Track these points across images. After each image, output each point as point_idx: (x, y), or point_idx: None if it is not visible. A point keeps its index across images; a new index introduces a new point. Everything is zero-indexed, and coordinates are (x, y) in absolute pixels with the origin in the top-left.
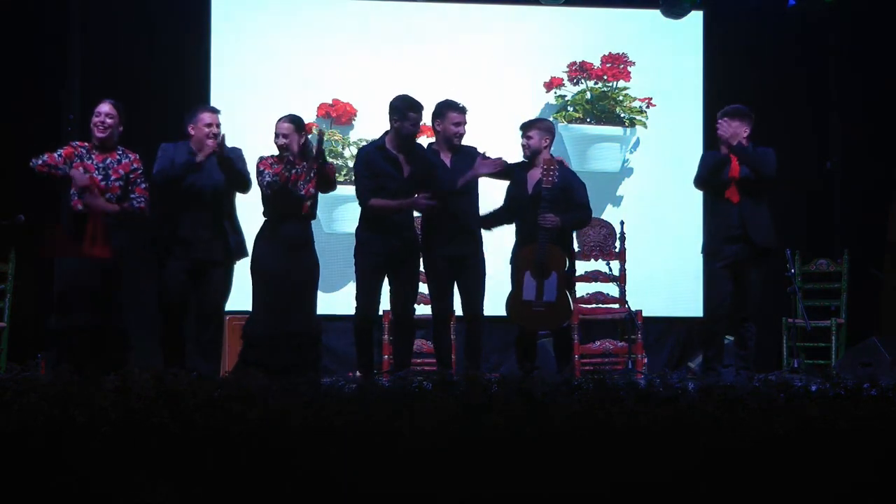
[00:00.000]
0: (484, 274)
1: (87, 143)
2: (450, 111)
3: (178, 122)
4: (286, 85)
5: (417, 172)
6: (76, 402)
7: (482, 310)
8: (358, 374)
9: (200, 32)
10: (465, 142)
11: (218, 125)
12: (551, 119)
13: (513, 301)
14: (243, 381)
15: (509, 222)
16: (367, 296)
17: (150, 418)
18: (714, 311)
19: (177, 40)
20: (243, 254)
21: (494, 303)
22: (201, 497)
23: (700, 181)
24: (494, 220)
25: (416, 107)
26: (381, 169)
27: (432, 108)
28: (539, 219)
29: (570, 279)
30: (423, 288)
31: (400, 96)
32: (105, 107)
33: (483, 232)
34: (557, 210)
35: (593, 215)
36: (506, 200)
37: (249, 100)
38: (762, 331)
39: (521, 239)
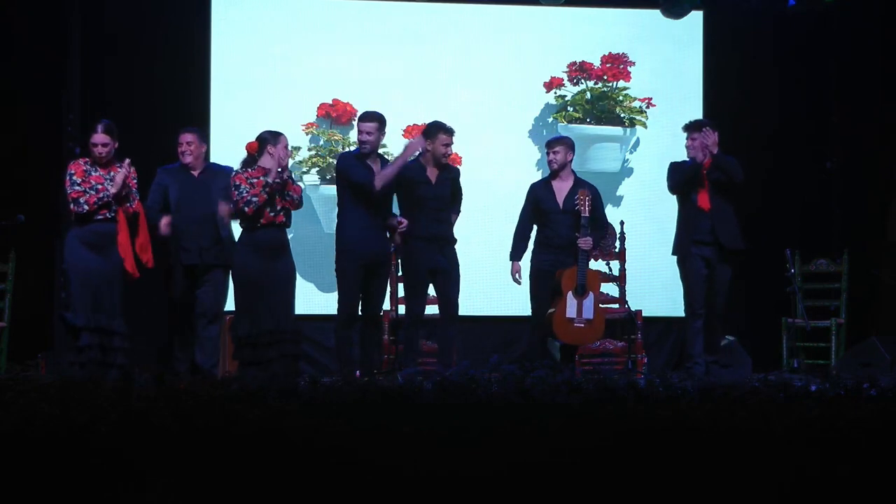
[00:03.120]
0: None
1: (87, 159)
2: (441, 133)
3: (175, 123)
4: (286, 85)
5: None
6: (76, 402)
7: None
8: (358, 373)
9: (200, 33)
10: (467, 140)
11: (188, 143)
12: (551, 119)
13: (557, 318)
14: (243, 381)
15: (528, 237)
16: (348, 298)
17: (150, 418)
18: (692, 309)
19: (177, 41)
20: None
21: (496, 303)
22: (201, 497)
23: (676, 188)
24: (522, 247)
25: (369, 118)
26: (361, 178)
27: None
28: (579, 242)
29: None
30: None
31: None
32: (100, 137)
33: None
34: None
35: None
36: (527, 216)
37: (249, 100)
38: (762, 331)
39: (543, 244)
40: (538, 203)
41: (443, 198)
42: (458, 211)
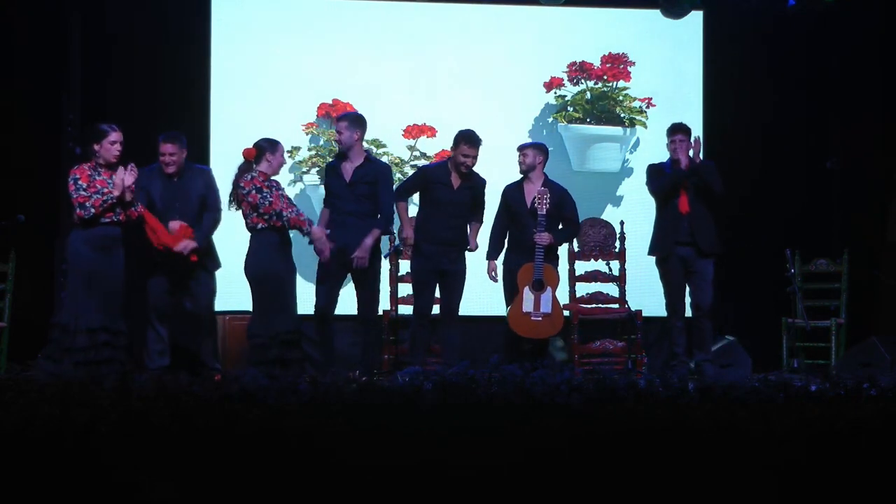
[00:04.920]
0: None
1: (90, 163)
2: (462, 143)
3: (175, 123)
4: (286, 85)
5: (360, 180)
6: (76, 402)
7: (457, 311)
8: (357, 373)
9: (200, 33)
10: None
11: (171, 154)
12: (551, 119)
13: (513, 313)
14: (243, 381)
15: (504, 238)
16: (325, 295)
17: (150, 418)
18: (673, 309)
19: (177, 41)
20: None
21: (496, 303)
22: (201, 497)
23: (659, 193)
24: (498, 247)
25: (341, 118)
26: (329, 179)
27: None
28: (535, 238)
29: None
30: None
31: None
32: (118, 135)
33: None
34: (552, 226)
35: (593, 215)
36: (502, 217)
37: (249, 100)
38: (762, 331)
39: (513, 245)
40: (509, 205)
41: (460, 204)
42: (480, 220)
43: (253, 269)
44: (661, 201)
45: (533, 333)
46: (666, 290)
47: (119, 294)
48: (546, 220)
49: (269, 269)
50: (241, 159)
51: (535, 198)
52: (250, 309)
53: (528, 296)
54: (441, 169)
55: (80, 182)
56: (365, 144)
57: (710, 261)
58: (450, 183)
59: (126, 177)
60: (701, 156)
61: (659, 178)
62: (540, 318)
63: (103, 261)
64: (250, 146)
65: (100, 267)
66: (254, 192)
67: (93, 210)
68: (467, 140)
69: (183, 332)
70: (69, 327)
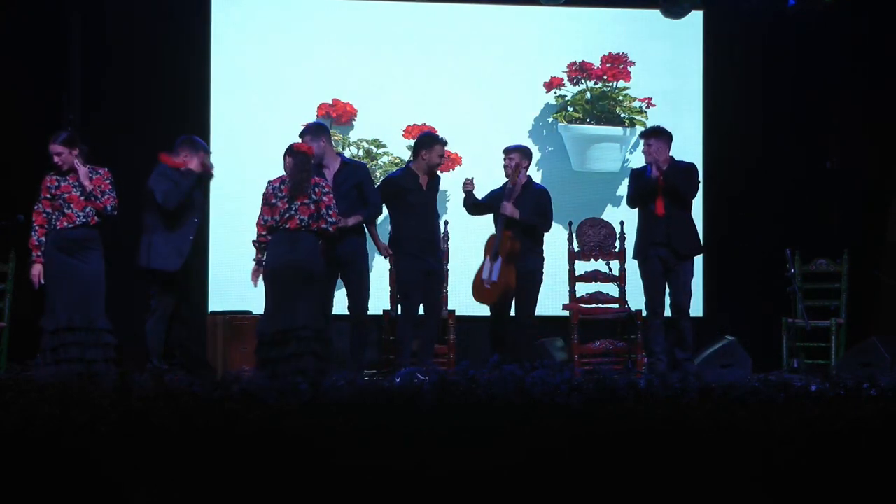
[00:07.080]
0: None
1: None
2: (436, 144)
3: (176, 123)
4: (286, 85)
5: (342, 184)
6: (76, 402)
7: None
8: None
9: (200, 33)
10: (467, 140)
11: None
12: (551, 119)
13: (475, 279)
14: (243, 381)
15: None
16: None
17: (150, 418)
18: (652, 308)
19: (177, 41)
20: None
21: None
22: (202, 497)
23: (632, 201)
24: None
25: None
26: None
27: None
28: (500, 207)
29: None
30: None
31: None
32: (55, 147)
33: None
34: (521, 207)
35: (593, 215)
36: (486, 198)
37: (249, 100)
38: (762, 331)
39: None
40: (494, 201)
41: (432, 203)
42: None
43: (309, 265)
44: (638, 206)
45: (482, 300)
46: (645, 289)
47: (96, 294)
48: (513, 193)
49: (322, 268)
50: (241, 159)
51: (509, 177)
52: (249, 309)
53: (487, 264)
54: (408, 174)
55: (41, 193)
56: (365, 144)
57: (689, 262)
58: (420, 186)
59: (85, 175)
60: (686, 157)
61: (634, 183)
62: (488, 287)
63: (66, 262)
64: (300, 142)
65: (63, 268)
66: (331, 193)
67: (54, 222)
68: (441, 140)
69: (183, 331)
70: (43, 330)
